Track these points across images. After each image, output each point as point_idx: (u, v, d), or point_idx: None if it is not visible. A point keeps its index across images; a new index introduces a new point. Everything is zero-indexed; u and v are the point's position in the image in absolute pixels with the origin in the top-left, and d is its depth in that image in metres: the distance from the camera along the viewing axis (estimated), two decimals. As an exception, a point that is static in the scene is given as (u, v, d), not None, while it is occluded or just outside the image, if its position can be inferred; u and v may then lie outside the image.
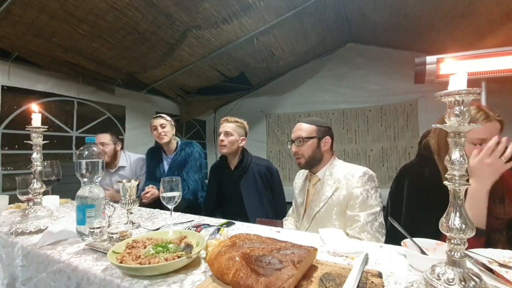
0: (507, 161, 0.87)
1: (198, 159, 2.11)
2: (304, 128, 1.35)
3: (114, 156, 2.26)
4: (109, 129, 2.77)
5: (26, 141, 1.17)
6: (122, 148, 2.35)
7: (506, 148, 0.88)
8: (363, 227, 1.14)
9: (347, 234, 1.17)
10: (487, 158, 0.88)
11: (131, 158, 2.34)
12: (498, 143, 0.88)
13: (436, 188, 1.00)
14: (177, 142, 2.17)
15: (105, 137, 2.22)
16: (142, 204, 1.82)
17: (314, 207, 1.29)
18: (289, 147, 1.41)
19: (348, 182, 1.23)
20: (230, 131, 1.80)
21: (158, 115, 2.11)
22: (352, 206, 1.19)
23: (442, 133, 1.06)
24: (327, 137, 1.35)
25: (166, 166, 2.14)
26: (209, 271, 0.70)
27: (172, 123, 2.13)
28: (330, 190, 1.26)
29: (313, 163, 1.35)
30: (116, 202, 1.34)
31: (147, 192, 1.93)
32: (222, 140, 1.80)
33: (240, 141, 1.84)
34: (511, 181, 1.01)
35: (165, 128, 2.05)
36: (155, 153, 2.21)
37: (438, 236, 0.73)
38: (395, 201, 1.20)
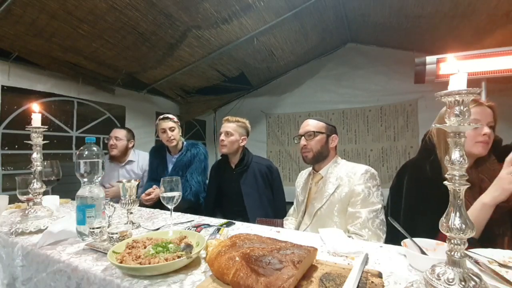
0: None
1: (203, 161, 2.10)
2: (313, 124, 1.38)
3: (125, 151, 2.35)
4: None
5: (26, 141, 1.17)
6: (133, 146, 2.45)
7: None
8: (364, 224, 1.15)
9: (348, 231, 1.17)
10: None
11: (140, 154, 2.44)
12: None
13: (435, 184, 1.00)
14: (183, 143, 2.17)
15: (121, 132, 2.33)
16: (142, 204, 1.81)
17: (315, 204, 1.30)
18: (296, 142, 1.42)
19: (350, 180, 1.24)
20: (231, 131, 1.81)
21: (166, 116, 2.07)
22: (354, 203, 1.20)
23: (440, 131, 1.07)
24: (335, 135, 1.38)
25: (170, 166, 2.13)
26: (209, 271, 0.70)
27: (179, 124, 2.12)
28: (332, 187, 1.27)
29: (319, 159, 1.36)
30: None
31: (150, 193, 1.87)
32: (223, 140, 1.82)
33: (241, 141, 1.85)
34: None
35: (174, 132, 2.04)
36: (159, 153, 2.20)
37: (436, 231, 0.73)
38: (395, 196, 1.21)
